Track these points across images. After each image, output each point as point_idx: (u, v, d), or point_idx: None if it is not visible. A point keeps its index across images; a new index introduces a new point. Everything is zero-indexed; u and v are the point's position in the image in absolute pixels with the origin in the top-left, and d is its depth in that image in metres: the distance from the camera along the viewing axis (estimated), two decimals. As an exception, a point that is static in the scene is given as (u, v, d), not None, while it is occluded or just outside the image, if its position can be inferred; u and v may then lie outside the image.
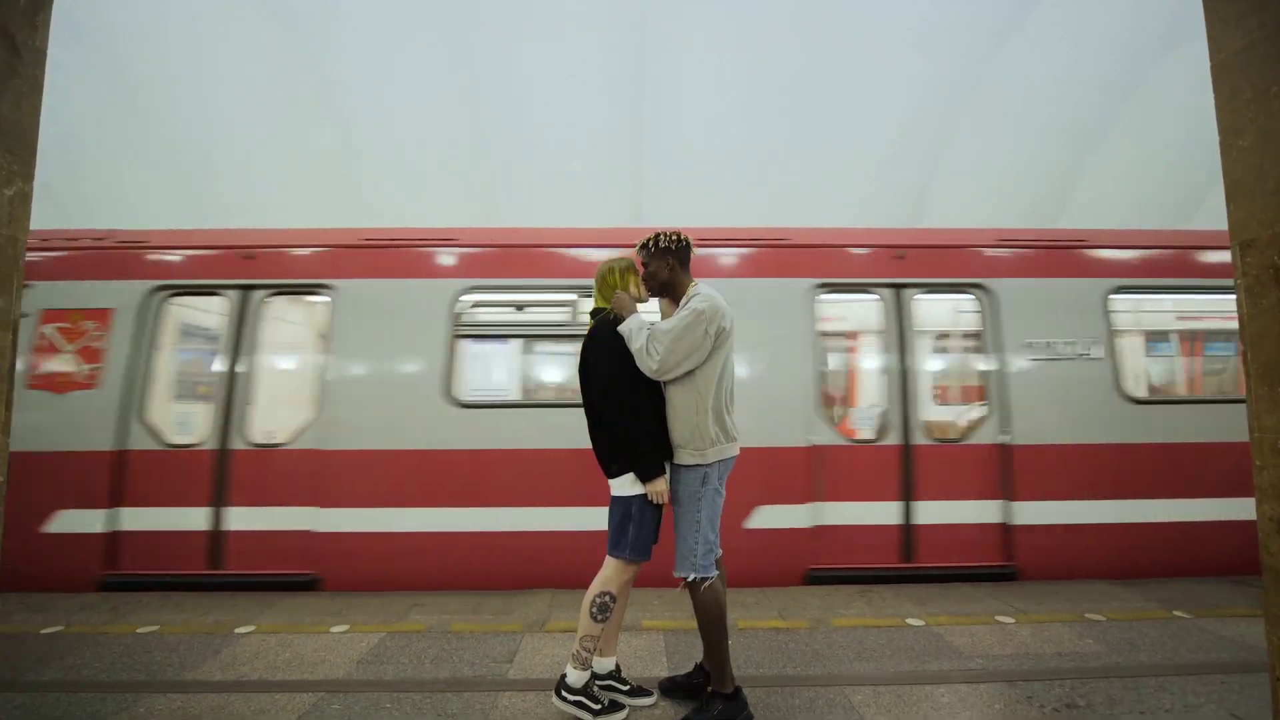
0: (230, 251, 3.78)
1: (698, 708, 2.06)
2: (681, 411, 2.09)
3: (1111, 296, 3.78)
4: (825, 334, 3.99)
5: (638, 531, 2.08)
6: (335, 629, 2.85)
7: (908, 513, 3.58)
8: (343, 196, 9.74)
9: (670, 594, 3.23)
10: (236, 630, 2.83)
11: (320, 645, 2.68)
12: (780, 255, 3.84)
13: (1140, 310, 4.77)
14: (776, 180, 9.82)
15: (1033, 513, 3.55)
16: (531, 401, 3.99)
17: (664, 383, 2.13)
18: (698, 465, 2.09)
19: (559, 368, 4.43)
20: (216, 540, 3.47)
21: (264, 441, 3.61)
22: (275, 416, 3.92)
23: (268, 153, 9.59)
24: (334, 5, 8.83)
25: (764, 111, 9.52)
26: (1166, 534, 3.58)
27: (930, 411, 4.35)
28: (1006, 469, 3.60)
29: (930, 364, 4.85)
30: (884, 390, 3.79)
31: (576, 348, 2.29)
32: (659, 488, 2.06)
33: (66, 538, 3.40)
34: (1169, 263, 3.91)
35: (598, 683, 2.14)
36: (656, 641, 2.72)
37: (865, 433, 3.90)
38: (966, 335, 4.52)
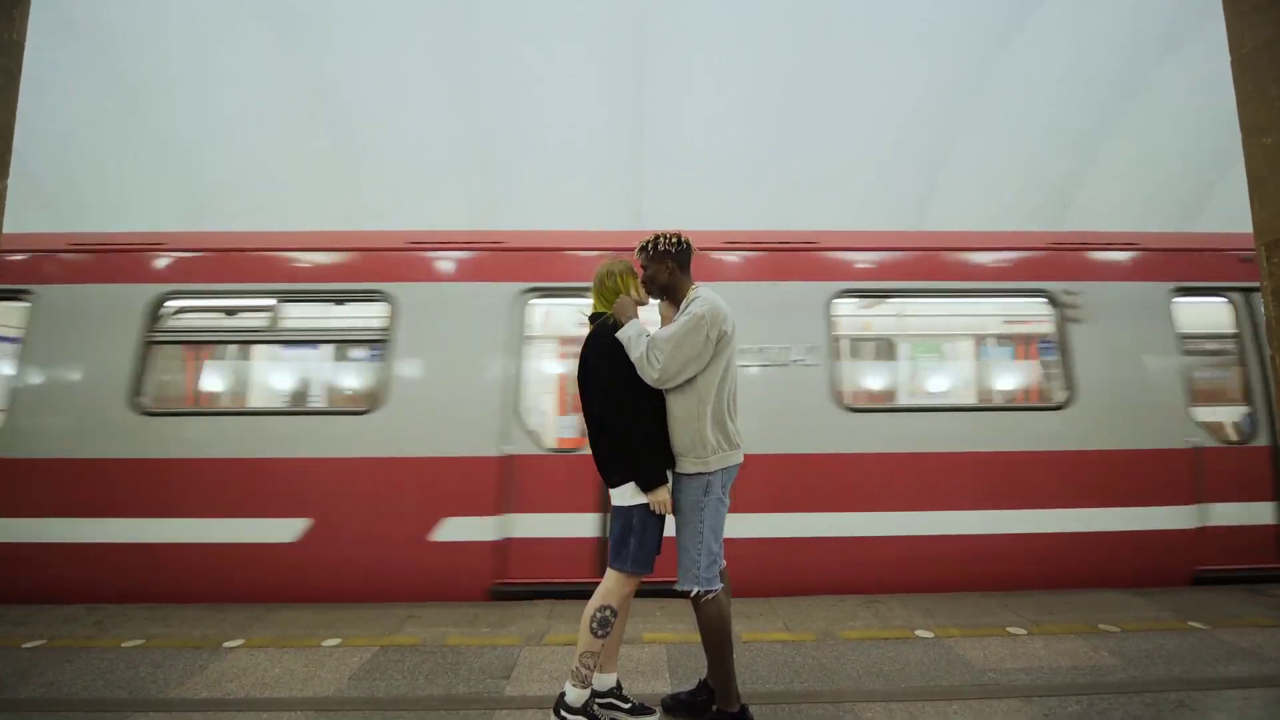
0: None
1: (702, 728, 1.98)
2: (682, 419, 2.02)
3: (835, 301, 3.61)
4: (532, 339, 3.75)
5: (639, 543, 2.00)
6: (327, 643, 2.76)
7: (605, 525, 3.35)
8: (342, 198, 9.67)
9: (672, 604, 3.15)
10: (225, 644, 2.74)
11: (310, 660, 2.59)
12: (495, 259, 3.66)
13: (867, 315, 4.65)
14: (776, 181, 9.77)
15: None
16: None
17: (664, 389, 2.06)
18: (700, 474, 2.01)
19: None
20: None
21: None
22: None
23: (266, 153, 9.52)
24: (333, 6, 8.78)
25: (763, 112, 9.47)
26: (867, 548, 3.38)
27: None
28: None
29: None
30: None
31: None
32: (661, 497, 1.98)
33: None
34: (897, 266, 3.75)
35: (598, 701, 2.06)
36: (658, 655, 2.64)
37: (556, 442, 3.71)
38: None
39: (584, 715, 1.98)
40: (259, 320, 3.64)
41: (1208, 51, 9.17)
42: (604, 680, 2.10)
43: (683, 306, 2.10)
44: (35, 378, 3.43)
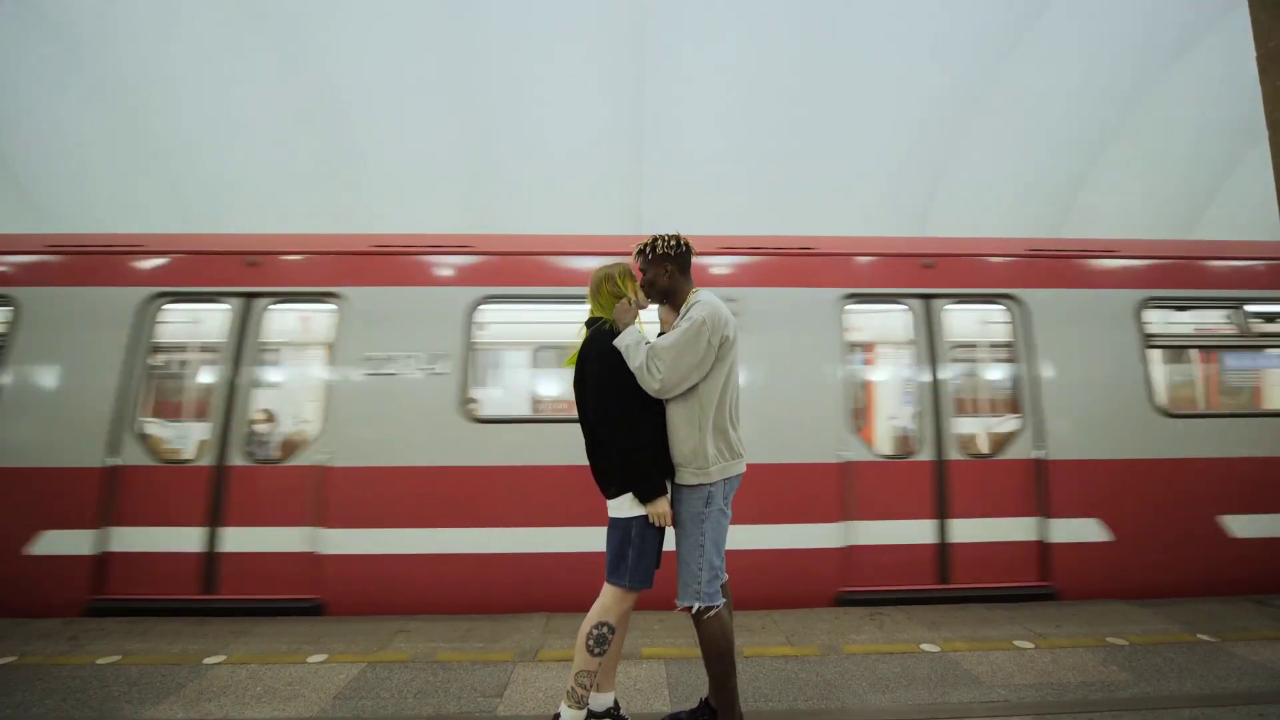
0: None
1: (704, 750, 1.89)
2: (683, 428, 1.95)
3: (482, 307, 3.48)
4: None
5: (638, 557, 1.92)
6: (312, 659, 2.65)
7: (212, 539, 3.20)
8: (342, 201, 9.57)
9: (671, 617, 3.06)
10: (205, 661, 2.63)
11: (295, 677, 2.49)
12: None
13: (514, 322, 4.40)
14: (777, 189, 9.74)
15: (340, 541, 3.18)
16: None
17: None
18: (701, 485, 1.94)
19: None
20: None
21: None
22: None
23: (263, 157, 9.43)
24: (331, 7, 8.73)
25: (763, 119, 9.46)
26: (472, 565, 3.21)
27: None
28: (319, 494, 3.21)
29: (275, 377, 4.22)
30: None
31: None
32: (660, 509, 1.90)
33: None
34: (537, 270, 3.55)
35: (594, 722, 1.98)
36: (657, 671, 2.55)
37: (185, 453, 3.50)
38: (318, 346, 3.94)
39: (580, 737, 1.89)
40: None
41: (1210, 59, 9.36)
42: (601, 700, 2.01)
43: (683, 311, 2.04)
44: None
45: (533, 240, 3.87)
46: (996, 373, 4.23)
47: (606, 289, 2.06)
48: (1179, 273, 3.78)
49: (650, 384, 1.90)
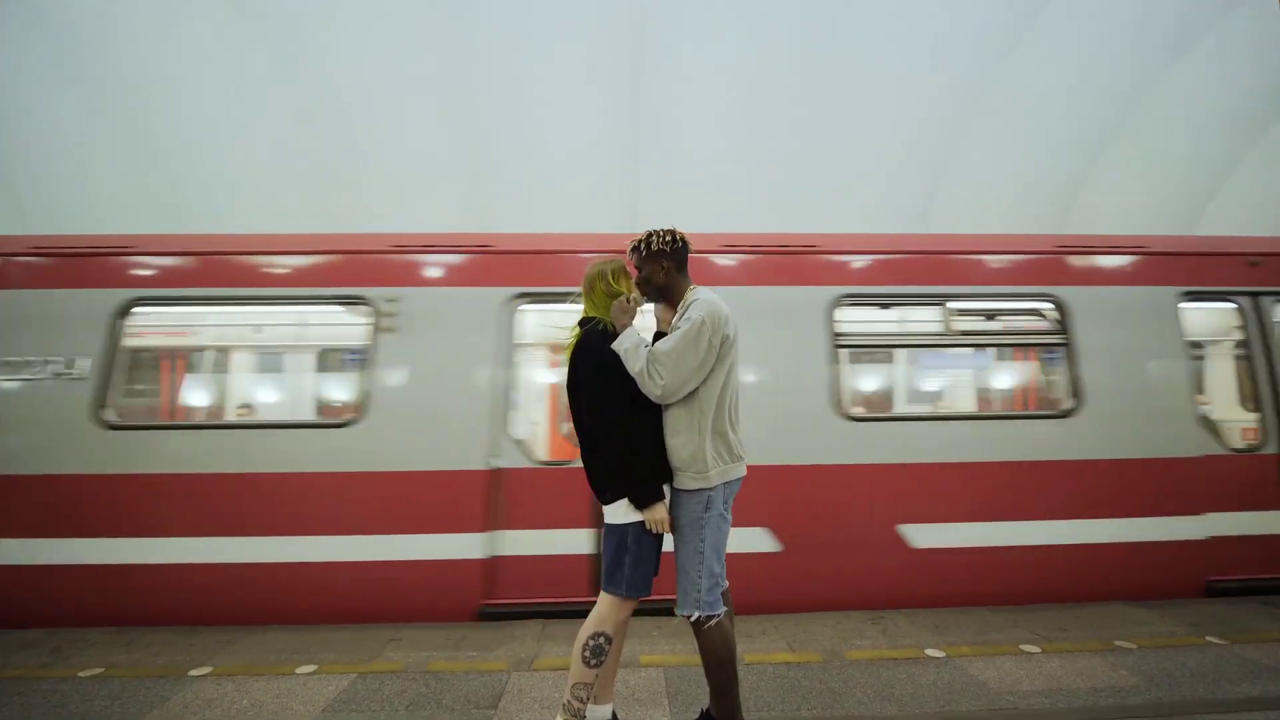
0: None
1: (705, 764, 1.83)
2: (681, 432, 1.89)
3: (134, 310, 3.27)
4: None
5: (635, 564, 1.85)
6: (301, 670, 2.58)
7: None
8: (341, 200, 9.48)
9: (670, 623, 2.99)
10: (190, 673, 2.56)
11: (282, 690, 2.41)
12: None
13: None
14: (777, 189, 9.69)
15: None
16: None
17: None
18: (700, 489, 1.88)
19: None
20: None
21: None
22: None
23: (262, 157, 9.35)
24: (329, 8, 8.66)
25: (764, 120, 9.40)
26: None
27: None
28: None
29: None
30: None
31: None
32: (658, 515, 1.84)
33: None
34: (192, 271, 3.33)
35: (591, 735, 1.91)
36: (656, 680, 2.48)
37: None
38: None
39: (576, 752, 1.82)
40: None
41: (1209, 61, 9.34)
42: (599, 713, 1.94)
43: (680, 310, 1.98)
44: None
45: (182, 240, 3.61)
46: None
47: (599, 287, 1.99)
48: (877, 268, 3.59)
49: (652, 390, 1.84)
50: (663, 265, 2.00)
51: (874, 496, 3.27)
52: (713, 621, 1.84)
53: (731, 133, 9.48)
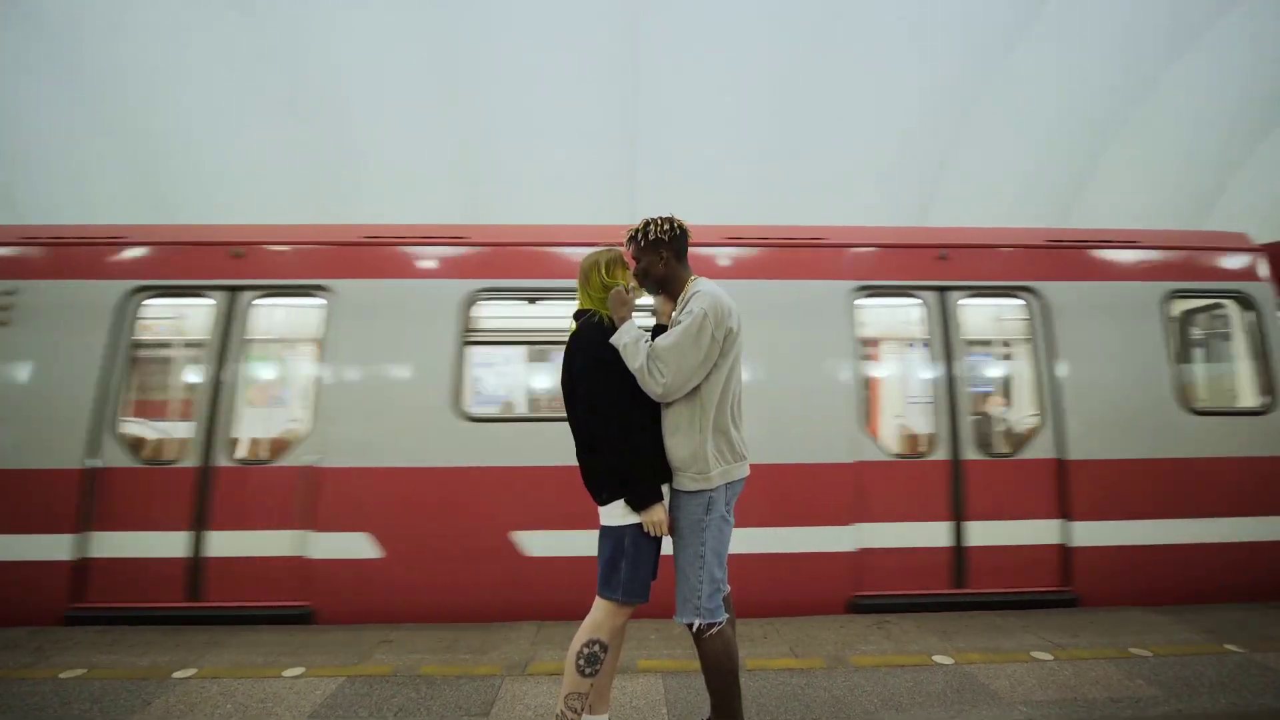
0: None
1: (704, 779, 1.74)
2: (681, 429, 1.80)
3: None
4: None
5: (632, 569, 1.76)
6: (288, 673, 2.50)
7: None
8: (336, 195, 9.42)
9: (670, 627, 2.91)
10: (174, 675, 2.48)
11: (268, 693, 2.34)
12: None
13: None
14: (776, 184, 9.58)
15: None
16: None
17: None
18: (701, 490, 1.78)
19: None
20: None
21: None
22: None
23: (259, 154, 9.28)
24: (327, 6, 8.57)
25: (762, 115, 9.30)
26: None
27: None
28: None
29: None
30: None
31: None
32: (656, 517, 1.75)
33: None
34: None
35: (586, 747, 1.82)
36: (655, 687, 2.40)
37: None
38: None
39: (569, 764, 1.74)
40: None
41: (1210, 55, 9.20)
42: (593, 723, 1.86)
43: (681, 302, 1.89)
44: None
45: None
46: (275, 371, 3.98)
47: (596, 278, 1.90)
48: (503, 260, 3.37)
49: (653, 388, 1.75)
50: (661, 255, 1.91)
51: (489, 501, 3.08)
52: (714, 630, 1.76)
53: (729, 128, 9.38)
